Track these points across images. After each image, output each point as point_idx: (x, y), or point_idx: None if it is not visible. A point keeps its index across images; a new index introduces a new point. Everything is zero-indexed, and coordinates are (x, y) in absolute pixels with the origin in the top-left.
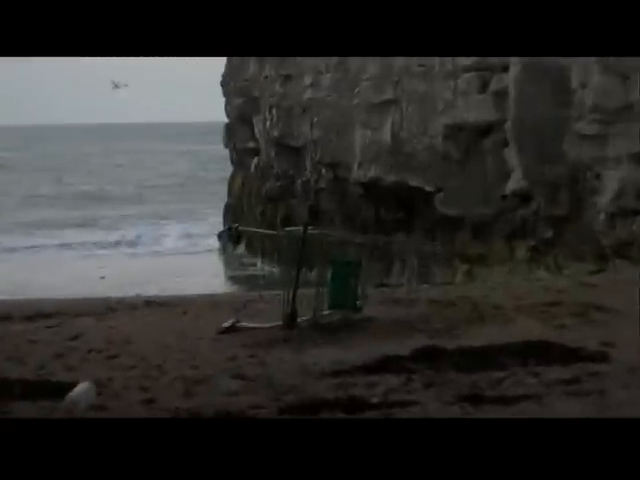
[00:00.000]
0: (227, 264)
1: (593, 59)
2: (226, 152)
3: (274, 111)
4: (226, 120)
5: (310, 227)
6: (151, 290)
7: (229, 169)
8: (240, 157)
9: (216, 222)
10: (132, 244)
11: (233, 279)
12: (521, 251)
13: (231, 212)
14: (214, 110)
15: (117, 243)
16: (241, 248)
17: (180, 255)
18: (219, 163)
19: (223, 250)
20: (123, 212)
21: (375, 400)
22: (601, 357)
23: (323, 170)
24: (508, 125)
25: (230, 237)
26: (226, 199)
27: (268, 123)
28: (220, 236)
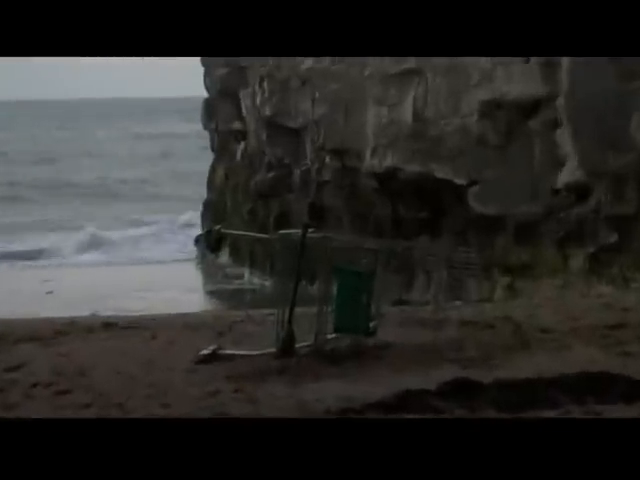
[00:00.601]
0: (207, 275)
1: None
2: (205, 135)
3: (266, 84)
4: (205, 95)
5: (311, 229)
6: (111, 308)
7: (209, 156)
8: (223, 141)
9: (193, 223)
10: (86, 250)
11: (214, 294)
12: (577, 260)
13: (211, 211)
14: (191, 83)
15: (67, 250)
16: (224, 256)
17: (148, 264)
18: (196, 149)
19: (201, 258)
20: (76, 210)
21: None
22: None
23: (327, 158)
24: (560, 102)
25: (210, 242)
26: (205, 194)
27: (258, 99)
28: (197, 240)
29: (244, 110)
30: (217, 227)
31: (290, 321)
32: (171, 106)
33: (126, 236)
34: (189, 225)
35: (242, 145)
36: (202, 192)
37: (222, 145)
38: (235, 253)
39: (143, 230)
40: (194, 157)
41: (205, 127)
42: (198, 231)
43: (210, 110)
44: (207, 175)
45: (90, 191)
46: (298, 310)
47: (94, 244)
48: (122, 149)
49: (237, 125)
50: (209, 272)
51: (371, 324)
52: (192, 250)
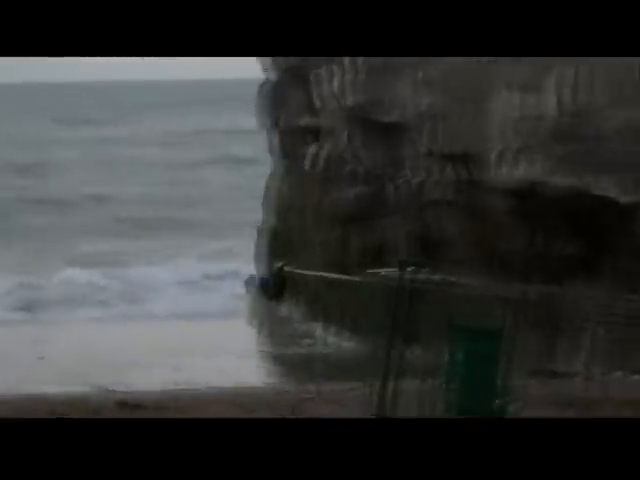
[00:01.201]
0: (263, 333)
1: None
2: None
3: (358, 59)
4: (263, 78)
5: (415, 268)
6: (127, 380)
7: (266, 165)
8: (287, 143)
9: (243, 259)
10: (96, 300)
11: (274, 360)
12: None
13: (270, 241)
14: (240, 61)
15: (67, 300)
16: (288, 305)
17: (181, 319)
18: (249, 155)
19: (256, 308)
20: (84, 246)
21: None
22: None
23: (437, 166)
24: None
25: (269, 285)
26: (261, 218)
27: (338, 82)
28: (250, 283)
29: (317, 99)
30: (278, 265)
31: (383, 398)
32: (208, 92)
33: (142, 279)
34: (236, 261)
35: (314, 148)
36: (256, 214)
37: (285, 148)
38: (303, 301)
39: (168, 272)
40: (243, 162)
41: (261, 123)
42: (251, 270)
43: (270, 99)
44: (263, 190)
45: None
46: (397, 384)
47: (95, 291)
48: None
49: (307, 120)
50: (266, 328)
51: (503, 402)
52: (241, 297)
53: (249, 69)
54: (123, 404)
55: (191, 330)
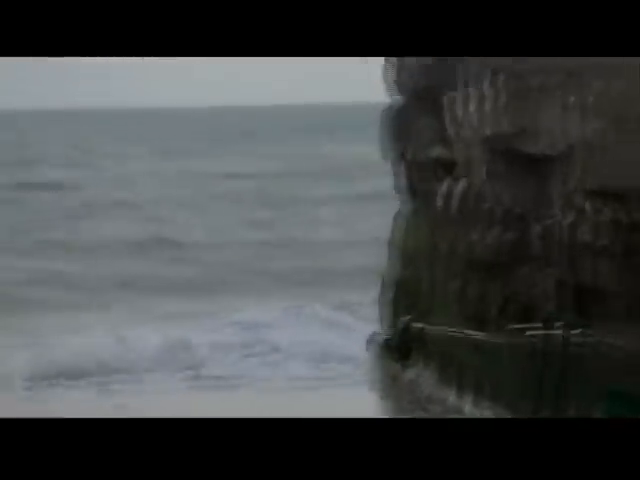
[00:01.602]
0: (387, 400)
1: None
2: (386, 168)
3: (499, 80)
4: (386, 102)
5: (566, 326)
6: None
7: (390, 205)
8: (416, 178)
9: (364, 314)
10: (192, 363)
11: None
12: None
13: (396, 294)
14: (354, 84)
15: (155, 361)
16: (417, 367)
17: (291, 388)
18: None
19: (379, 371)
20: (174, 302)
21: None
22: None
23: (588, 205)
24: None
25: (395, 344)
26: (384, 265)
27: (477, 108)
28: (373, 342)
29: (451, 126)
30: (405, 320)
31: None
32: (320, 118)
33: (232, 338)
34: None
35: (447, 184)
36: (378, 260)
37: (414, 184)
38: (434, 363)
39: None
40: (364, 199)
41: (385, 155)
42: (372, 326)
43: (393, 126)
44: (388, 233)
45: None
46: None
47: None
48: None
49: (439, 151)
50: (390, 394)
51: None
52: (362, 358)
53: (367, 92)
54: None
55: (308, 396)
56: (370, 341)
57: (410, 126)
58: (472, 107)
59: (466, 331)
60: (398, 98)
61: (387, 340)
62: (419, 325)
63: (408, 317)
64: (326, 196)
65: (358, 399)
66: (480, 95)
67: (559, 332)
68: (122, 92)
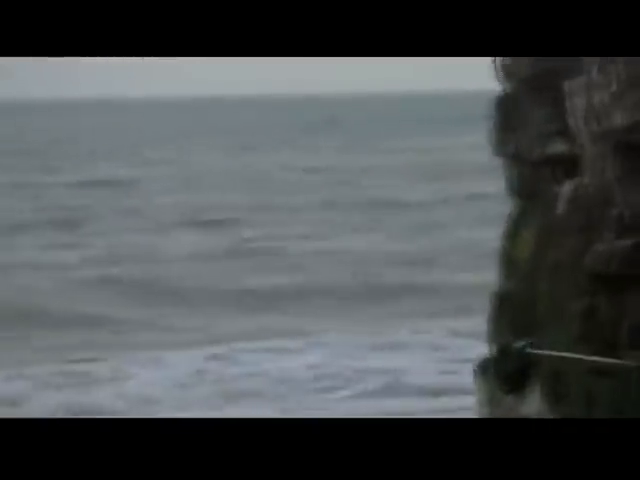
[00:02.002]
0: None
1: None
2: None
3: (622, 69)
4: (497, 90)
5: None
6: None
7: (499, 211)
8: (531, 179)
9: (473, 335)
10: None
11: None
12: None
13: (509, 313)
14: (462, 70)
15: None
16: (534, 400)
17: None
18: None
19: (489, 402)
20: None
21: None
22: None
23: None
24: None
25: (506, 372)
26: (498, 281)
27: (602, 97)
28: (482, 369)
29: (572, 119)
30: (520, 344)
31: None
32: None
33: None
34: (460, 339)
35: (568, 186)
36: (488, 273)
37: (529, 185)
38: (554, 394)
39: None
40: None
41: (496, 151)
42: (480, 350)
43: (505, 118)
44: (498, 243)
45: None
46: None
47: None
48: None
49: (558, 147)
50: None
51: None
52: (468, 388)
53: (475, 80)
54: None
55: None
56: (479, 367)
57: (524, 118)
58: (598, 96)
59: (594, 357)
60: (510, 86)
61: (499, 366)
62: (536, 350)
63: (523, 341)
64: (431, 198)
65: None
66: (608, 82)
67: None
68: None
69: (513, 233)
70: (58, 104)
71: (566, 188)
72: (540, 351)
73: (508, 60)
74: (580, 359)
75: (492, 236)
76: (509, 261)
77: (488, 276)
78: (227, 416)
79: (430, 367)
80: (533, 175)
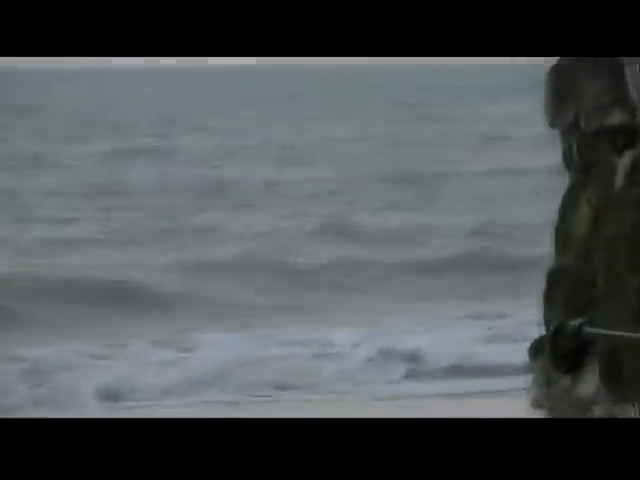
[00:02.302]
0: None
1: None
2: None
3: None
4: (553, 60)
5: None
6: None
7: (555, 184)
8: (590, 150)
9: (524, 316)
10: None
11: None
12: None
13: (565, 290)
14: None
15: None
16: (590, 380)
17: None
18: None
19: (543, 383)
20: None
21: None
22: None
23: None
24: None
25: (561, 352)
26: (552, 258)
27: None
28: (536, 349)
29: (632, 88)
30: (576, 322)
31: None
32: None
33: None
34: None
35: (628, 158)
36: (543, 249)
37: (587, 157)
38: (613, 374)
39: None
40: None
41: (552, 122)
42: (535, 331)
43: (564, 88)
44: (555, 218)
45: None
46: None
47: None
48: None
49: (619, 118)
50: (558, 413)
51: None
52: (523, 367)
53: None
54: None
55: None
56: (534, 348)
57: (582, 88)
58: None
59: None
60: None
61: (554, 346)
62: (594, 329)
63: (580, 320)
64: (487, 170)
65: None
66: None
67: None
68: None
69: (569, 207)
70: (104, 71)
71: (625, 160)
72: (597, 329)
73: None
74: (637, 337)
75: (548, 210)
76: (565, 236)
77: (544, 253)
78: (227, 416)
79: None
80: (591, 147)
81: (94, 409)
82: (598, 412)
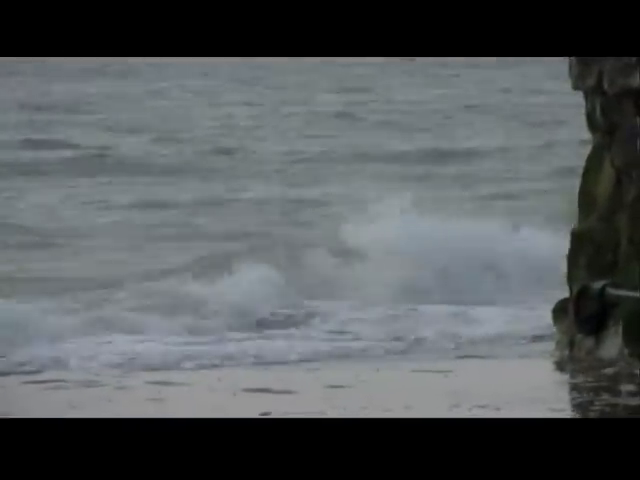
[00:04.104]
0: (577, 382)
1: None
2: (574, 101)
3: None
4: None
5: None
6: None
7: (579, 149)
8: (614, 112)
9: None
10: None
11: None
12: None
13: (589, 252)
14: None
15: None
16: (614, 341)
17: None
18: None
19: (568, 345)
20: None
21: None
22: None
23: None
24: None
25: (585, 314)
26: (573, 221)
27: None
28: (560, 311)
29: None
30: (600, 284)
31: None
32: None
33: None
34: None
35: None
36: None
37: (611, 119)
38: (636, 337)
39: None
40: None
41: (576, 85)
42: (558, 293)
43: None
44: (579, 179)
45: None
46: None
47: None
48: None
49: None
50: (581, 374)
51: None
52: (546, 329)
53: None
54: None
55: (482, 373)
56: (557, 309)
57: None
58: None
59: None
60: None
61: (577, 307)
62: (617, 290)
63: (603, 281)
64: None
65: (540, 373)
66: None
67: None
68: None
69: (593, 168)
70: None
71: None
72: (620, 291)
73: None
74: None
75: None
76: (588, 197)
77: (569, 214)
78: (227, 416)
79: None
80: (614, 108)
81: None
82: (621, 372)
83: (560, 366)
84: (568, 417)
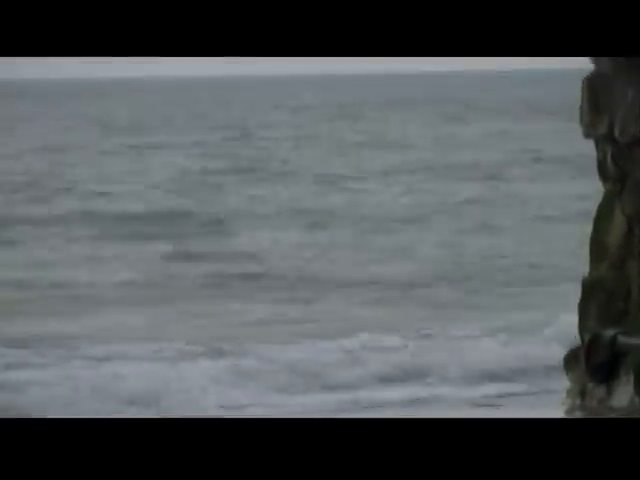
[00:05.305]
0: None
1: None
2: (585, 147)
3: None
4: (589, 68)
5: None
6: None
7: (591, 193)
8: (626, 161)
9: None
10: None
11: None
12: None
13: (600, 300)
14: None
15: None
16: (626, 390)
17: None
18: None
19: (579, 394)
20: None
21: None
22: None
23: None
24: None
25: (597, 362)
26: (587, 268)
27: None
28: (571, 360)
29: None
30: (611, 332)
31: None
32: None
33: None
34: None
35: None
36: (577, 260)
37: (623, 167)
38: None
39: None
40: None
41: (587, 133)
42: (570, 340)
43: (599, 97)
44: (589, 229)
45: None
46: None
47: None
48: None
49: None
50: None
51: None
52: (558, 378)
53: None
54: None
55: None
56: (569, 358)
57: (617, 99)
58: None
59: None
60: (603, 64)
61: (589, 357)
62: (629, 339)
63: (615, 330)
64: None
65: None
66: None
67: None
68: None
69: (604, 217)
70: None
71: None
72: (632, 340)
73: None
74: None
75: (580, 219)
76: (600, 246)
77: (579, 264)
78: (227, 416)
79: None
80: (625, 157)
81: None
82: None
83: (571, 415)
84: (568, 417)
